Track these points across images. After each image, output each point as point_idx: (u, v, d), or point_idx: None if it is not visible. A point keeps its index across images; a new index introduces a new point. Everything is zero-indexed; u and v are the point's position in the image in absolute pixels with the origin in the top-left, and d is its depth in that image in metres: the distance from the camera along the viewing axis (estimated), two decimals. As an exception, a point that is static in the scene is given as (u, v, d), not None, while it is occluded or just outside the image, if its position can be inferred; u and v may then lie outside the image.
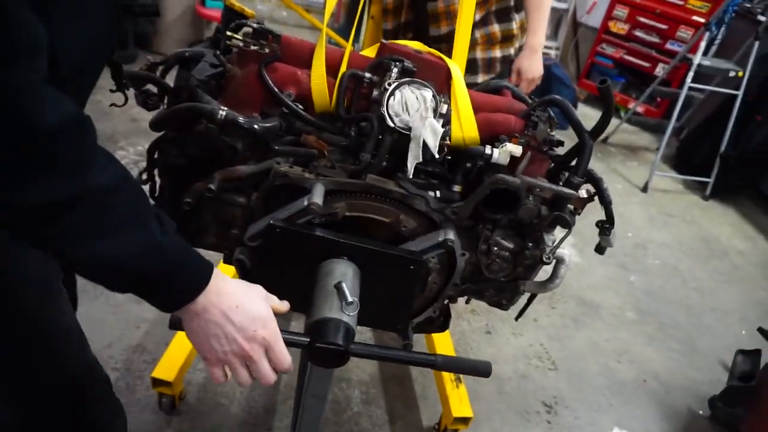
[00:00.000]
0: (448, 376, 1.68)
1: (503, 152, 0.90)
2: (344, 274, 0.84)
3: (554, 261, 1.02)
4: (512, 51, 1.76)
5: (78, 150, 0.54)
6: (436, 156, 0.86)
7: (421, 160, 0.87)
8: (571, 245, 2.80)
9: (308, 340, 0.75)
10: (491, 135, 0.96)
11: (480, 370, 0.81)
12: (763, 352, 2.02)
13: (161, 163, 0.89)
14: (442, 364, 0.80)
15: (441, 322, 1.11)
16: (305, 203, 0.82)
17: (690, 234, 3.33)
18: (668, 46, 4.42)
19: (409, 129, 0.86)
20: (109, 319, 1.80)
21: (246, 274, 0.92)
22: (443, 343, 1.82)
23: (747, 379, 1.86)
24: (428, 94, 0.86)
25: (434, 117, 0.86)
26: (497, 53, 1.75)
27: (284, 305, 0.77)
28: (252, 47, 0.86)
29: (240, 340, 0.68)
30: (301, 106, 0.88)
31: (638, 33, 4.57)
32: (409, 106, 0.85)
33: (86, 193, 0.54)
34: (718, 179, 3.73)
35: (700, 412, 1.99)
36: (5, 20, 0.47)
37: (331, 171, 0.89)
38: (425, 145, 0.86)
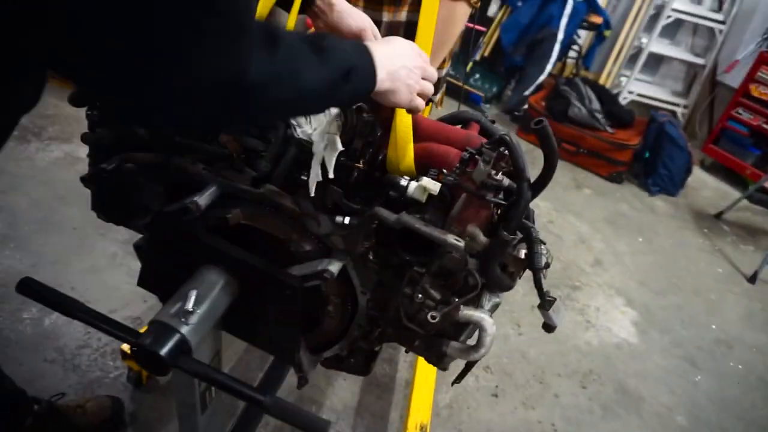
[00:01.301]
0: (413, 429, 1.54)
1: (418, 187, 0.79)
2: (212, 283, 0.78)
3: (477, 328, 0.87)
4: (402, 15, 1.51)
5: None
6: (330, 176, 0.78)
7: (320, 178, 0.80)
8: (633, 323, 2.45)
9: (133, 339, 0.71)
10: (427, 166, 0.86)
11: (314, 428, 0.70)
12: None
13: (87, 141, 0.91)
14: (271, 406, 0.70)
15: (358, 365, 1.00)
16: (186, 202, 0.79)
17: (797, 344, 2.74)
18: (820, 120, 3.75)
19: (311, 142, 0.79)
20: (123, 287, 1.91)
21: (143, 259, 0.91)
22: (423, 388, 1.67)
23: None
24: (334, 108, 0.79)
25: (338, 134, 0.78)
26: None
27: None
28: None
29: (416, 71, 0.77)
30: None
31: (785, 101, 3.94)
32: (312, 118, 0.78)
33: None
34: None
35: None
36: None
37: (235, 175, 0.84)
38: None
